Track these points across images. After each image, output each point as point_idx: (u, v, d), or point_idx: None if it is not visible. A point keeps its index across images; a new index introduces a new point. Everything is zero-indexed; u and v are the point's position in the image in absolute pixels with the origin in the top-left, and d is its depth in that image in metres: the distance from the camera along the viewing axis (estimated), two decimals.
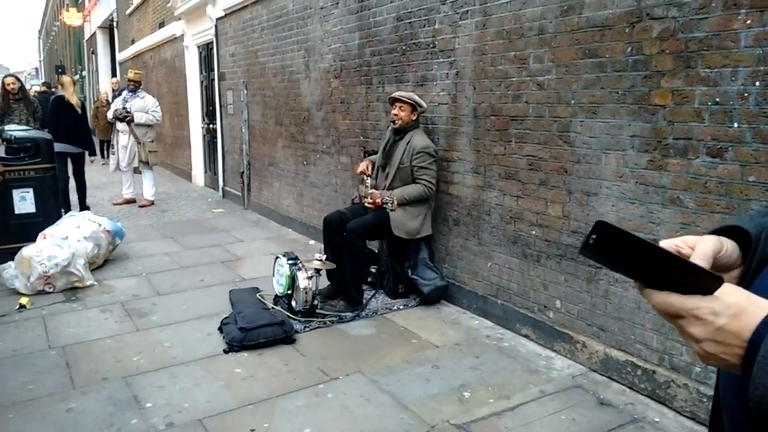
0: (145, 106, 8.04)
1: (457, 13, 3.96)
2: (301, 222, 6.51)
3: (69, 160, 7.42)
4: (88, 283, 4.66)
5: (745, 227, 0.82)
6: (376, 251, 4.61)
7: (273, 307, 4.04)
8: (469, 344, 3.62)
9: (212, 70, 9.10)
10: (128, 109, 7.94)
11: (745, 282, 0.76)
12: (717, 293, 0.66)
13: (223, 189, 9.04)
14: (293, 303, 3.98)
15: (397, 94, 4.21)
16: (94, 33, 22.14)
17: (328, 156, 5.84)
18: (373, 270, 4.57)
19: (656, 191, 2.84)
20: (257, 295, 4.27)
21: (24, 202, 5.47)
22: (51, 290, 4.50)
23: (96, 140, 12.15)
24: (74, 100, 7.44)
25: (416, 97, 4.16)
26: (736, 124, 2.51)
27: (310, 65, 5.99)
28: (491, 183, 3.83)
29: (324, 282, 4.27)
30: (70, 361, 3.39)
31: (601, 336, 3.19)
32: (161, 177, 10.38)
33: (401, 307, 4.22)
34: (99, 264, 5.16)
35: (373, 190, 4.18)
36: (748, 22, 2.43)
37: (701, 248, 0.74)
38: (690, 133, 2.69)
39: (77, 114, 7.44)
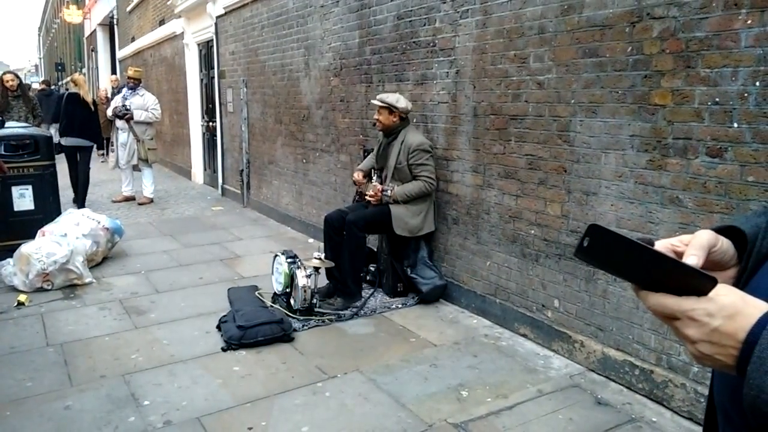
0: (144, 104, 8.03)
1: (458, 12, 3.95)
2: (301, 220, 6.51)
3: (78, 154, 7.77)
4: (87, 280, 4.65)
5: (741, 227, 0.82)
6: (376, 249, 4.61)
7: (271, 306, 4.04)
8: (468, 343, 3.62)
9: (212, 68, 9.09)
10: (128, 107, 7.93)
11: (741, 282, 0.76)
12: (712, 294, 0.65)
13: (222, 187, 9.03)
14: (292, 301, 3.98)
15: (377, 98, 4.20)
16: (95, 30, 22.12)
17: (328, 154, 5.83)
18: (372, 268, 4.57)
19: (655, 191, 2.84)
20: (256, 293, 4.27)
21: (23, 199, 5.47)
22: (49, 287, 4.50)
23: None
24: (89, 97, 7.92)
25: (391, 99, 4.12)
26: (735, 124, 2.50)
27: (310, 63, 5.98)
28: (490, 182, 3.83)
29: (323, 280, 4.26)
30: (68, 358, 3.39)
31: (599, 336, 3.19)
32: (160, 175, 10.37)
33: (400, 305, 4.22)
34: (98, 261, 5.16)
35: (374, 184, 4.22)
36: (749, 22, 2.42)
37: (696, 241, 0.74)
38: (690, 133, 2.68)
39: (91, 110, 7.88)
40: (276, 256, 4.20)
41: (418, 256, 4.27)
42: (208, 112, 9.70)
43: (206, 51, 9.56)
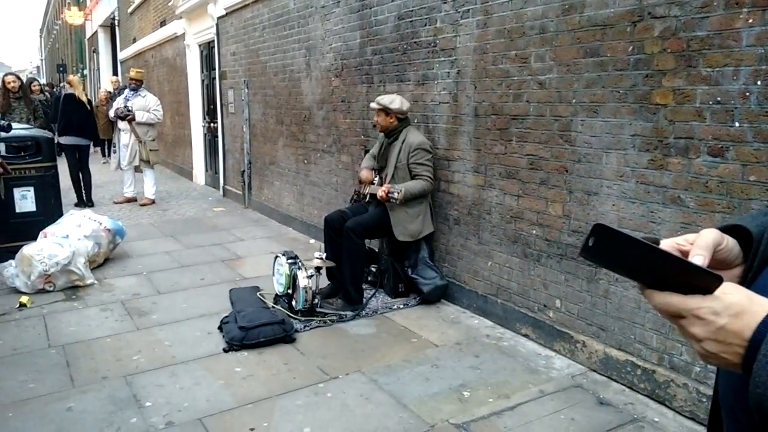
0: (146, 105, 8.04)
1: (458, 12, 3.95)
2: (302, 221, 6.51)
3: (77, 152, 8.11)
4: (89, 281, 4.66)
5: (747, 226, 0.82)
6: (377, 250, 4.61)
7: (273, 306, 4.04)
8: (469, 343, 3.61)
9: (213, 68, 9.10)
10: (130, 108, 7.95)
11: (746, 281, 0.76)
12: (717, 293, 0.65)
13: (223, 188, 9.04)
14: (293, 302, 3.98)
15: (375, 100, 4.22)
16: (96, 31, 22.15)
17: (329, 155, 5.83)
18: (373, 269, 4.57)
19: (657, 191, 2.84)
20: (257, 294, 4.27)
21: (25, 200, 5.48)
22: (51, 289, 4.50)
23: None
24: (84, 97, 8.28)
25: (385, 101, 4.14)
26: (737, 124, 2.50)
27: (311, 64, 5.98)
28: (492, 182, 3.82)
29: (324, 281, 4.26)
30: (70, 359, 3.39)
31: (601, 336, 3.18)
32: (162, 176, 10.38)
33: (401, 306, 4.22)
34: (99, 263, 5.17)
35: (375, 186, 4.22)
36: (750, 21, 2.42)
37: (701, 239, 0.74)
38: (691, 132, 2.68)
39: (87, 110, 8.29)
40: (277, 257, 4.20)
41: (419, 257, 4.26)
42: (210, 113, 9.71)
43: (207, 52, 9.56)
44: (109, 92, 12.24)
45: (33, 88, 10.48)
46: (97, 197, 8.78)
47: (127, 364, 3.34)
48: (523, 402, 2.91)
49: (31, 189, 5.52)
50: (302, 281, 3.86)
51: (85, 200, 8.19)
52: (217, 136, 9.19)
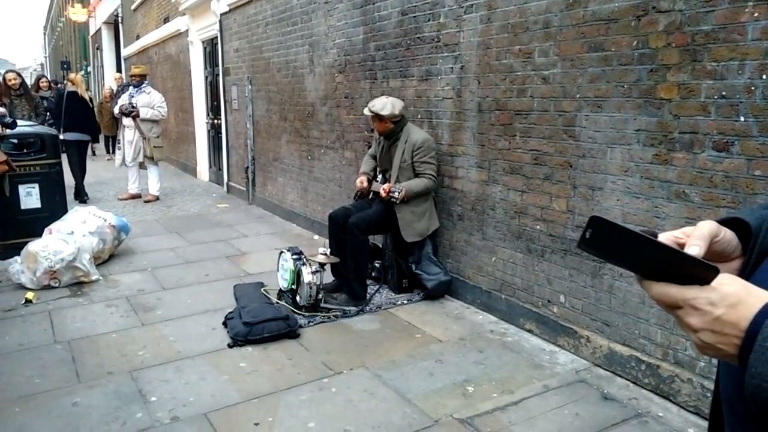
0: (150, 102, 8.05)
1: (462, 7, 3.94)
2: (306, 217, 6.52)
3: (77, 148, 8.32)
4: (94, 277, 4.68)
5: (746, 219, 0.82)
6: (380, 246, 4.61)
7: (277, 302, 4.05)
8: (473, 339, 3.62)
9: (217, 65, 9.10)
10: (134, 105, 7.96)
11: (745, 274, 0.76)
12: (715, 283, 0.66)
13: (227, 184, 9.05)
14: (297, 298, 3.99)
15: (367, 107, 4.21)
16: (99, 29, 22.19)
17: (333, 151, 5.83)
18: (377, 265, 4.57)
19: (661, 186, 2.83)
20: (261, 289, 4.28)
21: (29, 197, 5.50)
22: (56, 285, 4.52)
23: (101, 136, 12.20)
24: (86, 95, 8.57)
25: (377, 107, 4.12)
26: (742, 118, 2.49)
27: (315, 60, 5.98)
28: (496, 178, 3.82)
29: (328, 277, 4.27)
30: (76, 355, 3.41)
31: (605, 331, 3.18)
32: (166, 172, 10.40)
33: (405, 301, 4.22)
34: (104, 259, 5.18)
35: (378, 183, 4.22)
36: (756, 14, 2.41)
37: (698, 231, 0.74)
38: (696, 127, 2.67)
39: (88, 107, 8.59)
40: (281, 252, 4.21)
41: (423, 252, 4.27)
42: (213, 110, 9.72)
43: (211, 48, 9.57)
44: (113, 89, 12.28)
45: (41, 84, 10.53)
46: (102, 194, 8.83)
47: (132, 359, 3.36)
48: (527, 397, 2.91)
49: (36, 186, 5.54)
50: (306, 277, 3.87)
51: (82, 195, 8.18)
52: (220, 133, 9.20)
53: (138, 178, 8.45)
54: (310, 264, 3.95)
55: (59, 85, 13.39)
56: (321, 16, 5.76)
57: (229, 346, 3.49)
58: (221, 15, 8.50)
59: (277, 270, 4.26)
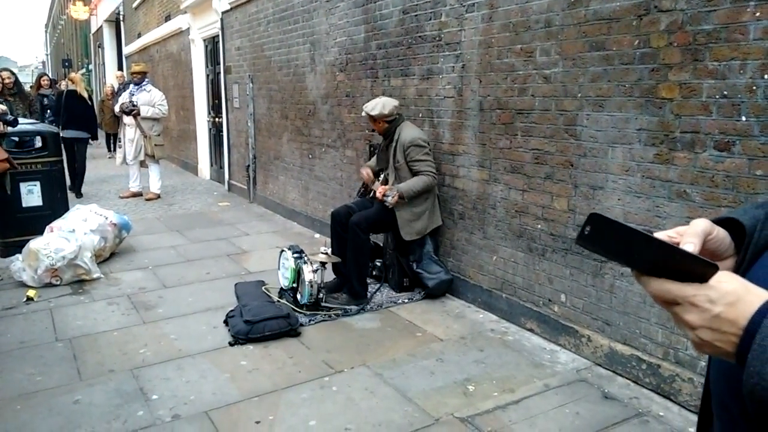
0: (151, 100, 8.06)
1: (464, 6, 3.94)
2: (307, 215, 6.52)
3: (76, 145, 8.47)
4: (95, 275, 4.68)
5: (740, 219, 0.83)
6: (381, 245, 4.62)
7: (278, 300, 4.05)
8: (474, 338, 3.62)
9: (218, 63, 9.10)
10: (135, 103, 7.96)
11: (738, 273, 0.76)
12: (713, 281, 0.66)
13: (228, 182, 9.06)
14: (298, 296, 3.99)
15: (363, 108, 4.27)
16: (101, 27, 22.18)
17: (334, 149, 5.83)
18: (378, 263, 4.57)
19: (663, 185, 2.83)
20: (262, 288, 4.28)
21: (31, 195, 5.50)
22: (58, 283, 4.53)
23: (102, 134, 12.23)
24: (85, 93, 8.68)
25: (368, 108, 4.19)
26: (744, 118, 2.49)
27: (316, 58, 5.98)
28: (497, 177, 3.82)
29: (329, 275, 4.27)
30: (77, 353, 3.42)
31: (606, 330, 3.18)
32: (167, 170, 10.41)
33: (406, 300, 4.23)
34: (105, 257, 5.19)
35: (380, 186, 4.22)
36: (757, 14, 2.40)
37: (692, 229, 0.74)
38: (697, 126, 2.67)
39: (87, 105, 8.69)
40: (282, 251, 4.21)
41: (424, 251, 4.27)
42: (215, 108, 9.72)
43: (212, 46, 9.57)
44: (114, 87, 12.29)
45: (42, 83, 10.56)
46: (103, 192, 8.85)
47: (133, 357, 3.36)
48: (527, 396, 2.91)
49: (38, 184, 5.54)
50: (307, 275, 3.87)
51: (75, 190, 8.30)
52: (222, 131, 9.20)
53: (139, 176, 8.46)
54: (311, 262, 3.95)
55: (59, 83, 13.41)
56: (322, 15, 5.76)
57: (230, 345, 3.49)
58: (223, 13, 8.49)
59: (278, 268, 4.27)
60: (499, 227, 3.85)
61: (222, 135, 9.19)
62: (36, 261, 4.48)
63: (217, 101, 9.49)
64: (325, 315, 3.92)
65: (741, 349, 0.64)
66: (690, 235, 0.73)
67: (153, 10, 13.49)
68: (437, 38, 4.22)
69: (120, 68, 18.04)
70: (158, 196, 8.31)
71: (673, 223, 2.79)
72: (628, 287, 3.04)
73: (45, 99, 9.76)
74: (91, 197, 8.16)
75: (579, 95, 3.21)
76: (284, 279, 4.16)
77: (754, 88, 2.43)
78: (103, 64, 22.60)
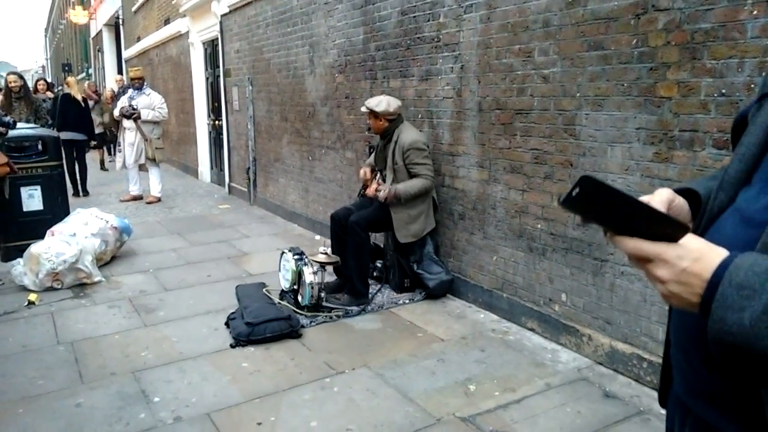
0: (151, 103, 8.07)
1: (462, 7, 3.95)
2: (307, 217, 6.52)
3: (74, 147, 8.80)
4: (96, 279, 4.69)
5: (697, 189, 0.97)
6: (382, 246, 4.62)
7: (279, 302, 4.05)
8: (475, 338, 3.62)
9: (217, 66, 9.12)
10: (134, 107, 7.98)
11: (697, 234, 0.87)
12: (682, 241, 0.76)
13: (229, 185, 9.07)
14: (299, 298, 3.99)
15: (364, 104, 4.25)
16: (100, 31, 22.22)
17: (334, 151, 5.84)
18: (379, 264, 4.58)
19: (662, 184, 2.83)
20: (263, 290, 4.29)
21: (32, 199, 5.51)
22: (59, 287, 4.54)
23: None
24: (78, 96, 9.02)
25: (372, 104, 4.16)
26: None
27: (315, 61, 5.99)
28: (496, 177, 3.82)
29: (330, 276, 4.28)
30: (79, 356, 3.42)
31: (607, 329, 3.18)
32: (168, 173, 10.42)
33: (407, 301, 4.23)
34: (106, 260, 5.20)
35: (375, 182, 4.24)
36: (755, 12, 2.41)
37: (659, 195, 0.89)
38: (696, 125, 2.67)
39: (81, 107, 9.03)
40: (283, 253, 4.22)
41: (424, 252, 4.27)
42: (214, 111, 9.74)
43: (211, 50, 9.58)
44: (114, 91, 12.32)
45: (39, 87, 10.61)
46: (103, 195, 8.86)
47: (135, 360, 3.37)
48: (529, 395, 2.92)
49: (38, 188, 5.55)
50: (308, 277, 3.88)
51: (80, 190, 8.89)
52: (221, 134, 9.21)
53: (139, 180, 8.47)
54: (311, 264, 3.96)
55: (56, 88, 13.51)
56: (321, 17, 5.77)
57: (232, 347, 3.50)
58: (222, 16, 8.51)
59: (279, 270, 4.27)
60: (499, 227, 3.86)
61: (222, 138, 9.21)
62: (37, 265, 4.49)
63: (216, 104, 9.50)
64: (326, 316, 3.92)
65: (705, 299, 0.73)
66: (656, 202, 0.85)
67: (152, 14, 13.51)
68: (436, 39, 4.22)
69: (120, 72, 18.08)
70: (159, 200, 8.32)
71: None
72: (628, 286, 3.04)
73: (44, 103, 9.80)
74: (92, 201, 8.18)
75: (578, 95, 3.21)
76: (285, 281, 4.16)
77: (752, 86, 2.44)
78: (103, 68, 22.64)
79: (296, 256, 4.04)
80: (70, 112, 8.77)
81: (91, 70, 26.62)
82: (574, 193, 0.74)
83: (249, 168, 8.00)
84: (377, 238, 4.69)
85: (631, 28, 2.89)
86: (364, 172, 4.40)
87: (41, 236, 4.88)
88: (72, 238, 4.74)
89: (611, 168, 3.07)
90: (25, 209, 5.47)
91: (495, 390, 2.97)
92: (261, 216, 7.38)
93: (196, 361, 3.34)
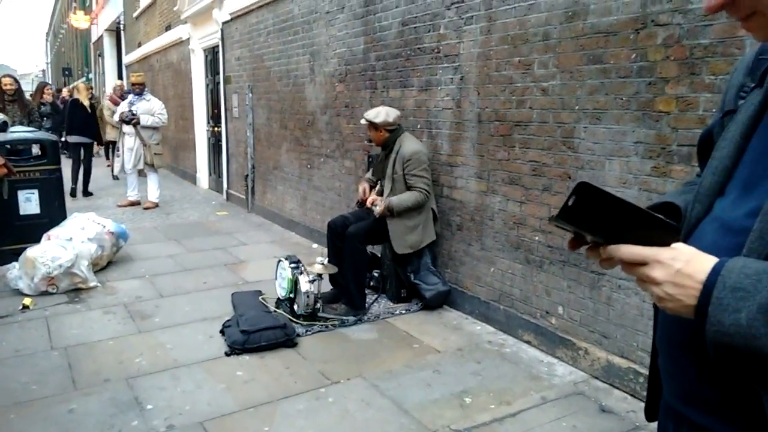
0: (151, 109, 8.08)
1: (462, 19, 3.97)
2: (305, 225, 6.52)
3: (81, 149, 9.32)
4: (92, 284, 4.67)
5: (675, 202, 1.03)
6: (379, 255, 4.61)
7: (275, 311, 4.04)
8: (471, 350, 3.61)
9: (218, 73, 9.14)
10: (134, 112, 7.99)
11: None
12: (674, 245, 0.80)
13: (227, 192, 9.06)
14: (295, 306, 3.98)
15: (363, 117, 4.27)
16: (101, 36, 22.28)
17: (332, 160, 5.85)
18: (376, 274, 4.57)
19: (660, 198, 2.83)
20: (259, 298, 4.27)
21: (29, 203, 5.50)
22: (54, 291, 4.51)
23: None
24: (86, 102, 9.39)
25: (371, 115, 4.18)
26: None
27: (315, 69, 6.01)
28: (495, 188, 3.83)
29: (326, 286, 4.26)
30: (72, 362, 3.40)
31: (603, 343, 3.17)
32: (166, 179, 10.41)
33: (403, 311, 4.22)
34: (102, 265, 5.18)
35: (372, 195, 4.25)
36: None
37: None
38: (694, 140, 2.66)
39: (88, 113, 9.39)
40: (279, 261, 4.21)
41: (422, 262, 4.26)
42: (214, 118, 9.75)
43: (212, 56, 9.61)
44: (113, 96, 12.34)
45: (45, 91, 10.72)
46: (101, 200, 8.86)
47: (129, 366, 3.34)
48: (524, 409, 2.90)
49: (36, 191, 5.53)
50: (304, 286, 3.87)
51: (83, 191, 9.30)
52: (221, 141, 9.22)
53: (137, 185, 8.47)
54: (307, 273, 3.95)
55: (64, 95, 13.68)
56: (322, 26, 5.79)
57: (227, 355, 3.48)
58: (223, 24, 8.54)
59: (275, 278, 4.26)
60: (496, 239, 3.85)
61: (221, 144, 9.21)
62: (33, 269, 4.47)
63: (216, 111, 9.52)
64: (321, 325, 3.90)
65: (701, 303, 0.76)
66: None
67: (153, 20, 13.55)
68: (436, 50, 4.24)
69: (120, 77, 18.11)
70: (156, 205, 8.31)
71: None
72: (625, 300, 3.03)
73: (42, 107, 9.85)
74: (90, 206, 8.16)
75: (576, 108, 3.22)
76: (281, 289, 4.15)
77: None
78: (103, 73, 22.68)
79: (293, 265, 4.03)
80: (77, 117, 9.23)
81: (91, 75, 26.66)
82: (570, 202, 0.75)
83: (247, 175, 8.00)
84: (375, 248, 4.69)
85: (631, 42, 2.91)
86: (363, 189, 4.39)
87: (37, 240, 4.86)
88: (68, 243, 4.73)
89: (609, 181, 3.07)
90: (22, 213, 5.45)
91: (490, 403, 2.96)
92: (259, 223, 7.37)
93: (190, 368, 3.32)
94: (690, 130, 2.69)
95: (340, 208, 5.57)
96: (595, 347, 3.22)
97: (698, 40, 2.62)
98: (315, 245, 6.07)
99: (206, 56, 9.94)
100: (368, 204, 4.13)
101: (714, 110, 2.59)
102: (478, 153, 3.93)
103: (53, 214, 5.54)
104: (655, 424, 2.77)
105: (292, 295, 4.03)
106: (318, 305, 3.96)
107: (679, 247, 0.80)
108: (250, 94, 7.69)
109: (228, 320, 3.83)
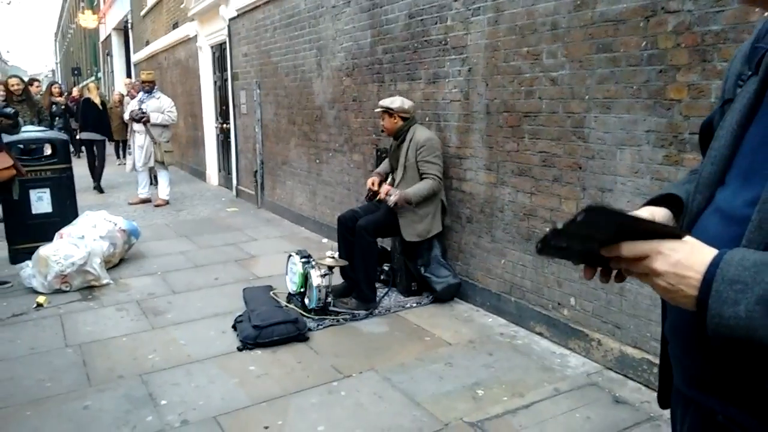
0: (160, 107, 8.11)
1: (469, 10, 3.94)
2: (314, 220, 6.52)
3: (94, 146, 9.74)
4: (104, 281, 4.70)
5: (677, 193, 1.04)
6: (389, 249, 4.61)
7: (286, 305, 4.05)
8: (483, 342, 3.60)
9: (225, 70, 9.15)
10: (144, 110, 8.02)
11: None
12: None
13: (236, 188, 9.09)
14: (306, 301, 3.99)
15: (378, 105, 4.26)
16: (109, 35, 22.38)
17: (341, 154, 5.84)
18: (386, 268, 4.57)
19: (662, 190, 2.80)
20: (271, 293, 4.29)
21: (41, 202, 5.54)
22: (67, 289, 4.55)
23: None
24: (98, 101, 9.81)
25: (386, 102, 4.19)
26: None
27: (322, 64, 6.00)
28: (504, 180, 3.81)
29: (337, 279, 4.27)
30: (87, 359, 3.43)
31: (617, 333, 3.16)
32: (176, 177, 10.47)
33: (414, 304, 4.22)
34: (115, 263, 5.21)
35: (385, 186, 4.23)
36: (766, 14, 2.38)
37: (642, 214, 0.97)
38: None
39: (100, 110, 9.81)
40: (290, 256, 4.21)
41: (432, 255, 4.26)
42: (222, 114, 9.77)
43: (219, 53, 9.62)
44: (122, 94, 12.40)
45: (53, 90, 10.80)
46: (112, 198, 8.92)
47: (142, 363, 3.37)
48: (537, 400, 2.89)
49: (47, 190, 5.57)
50: (315, 280, 3.87)
51: (97, 185, 9.64)
52: (229, 137, 9.24)
53: (148, 183, 8.52)
54: (318, 267, 3.95)
55: (74, 95, 13.79)
56: (329, 20, 5.78)
57: (239, 350, 3.49)
58: (230, 20, 8.54)
59: (286, 273, 4.27)
60: (507, 230, 3.84)
61: (230, 141, 9.23)
62: (46, 267, 4.51)
63: (224, 107, 9.54)
64: (333, 319, 3.91)
65: (701, 295, 0.77)
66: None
67: (161, 18, 13.59)
68: (443, 42, 4.22)
69: (128, 75, 18.19)
70: (167, 203, 8.35)
71: None
72: (638, 290, 3.01)
73: (54, 107, 9.92)
74: (101, 203, 8.21)
75: (586, 97, 3.20)
76: (292, 284, 4.16)
77: None
78: (112, 72, 22.80)
79: (303, 259, 4.04)
80: (90, 115, 9.67)
81: (100, 74, 26.80)
82: (579, 219, 0.76)
83: (256, 171, 8.02)
84: (385, 241, 4.68)
85: (641, 30, 2.87)
86: (372, 181, 4.38)
87: (50, 239, 4.90)
88: (80, 241, 4.76)
89: (621, 171, 3.04)
90: (34, 212, 5.49)
91: (503, 395, 2.95)
92: (268, 219, 7.39)
93: (203, 364, 3.34)
94: (702, 118, 2.62)
95: (349, 203, 5.56)
96: (608, 338, 3.20)
97: (709, 27, 2.58)
98: (325, 240, 6.08)
99: (213, 53, 9.96)
100: (382, 195, 4.10)
101: None
102: (487, 145, 3.91)
103: (65, 212, 5.58)
104: (667, 413, 2.76)
105: (303, 290, 4.03)
106: (329, 299, 3.96)
107: (679, 238, 0.82)
108: (258, 90, 7.69)
109: (240, 315, 3.84)
